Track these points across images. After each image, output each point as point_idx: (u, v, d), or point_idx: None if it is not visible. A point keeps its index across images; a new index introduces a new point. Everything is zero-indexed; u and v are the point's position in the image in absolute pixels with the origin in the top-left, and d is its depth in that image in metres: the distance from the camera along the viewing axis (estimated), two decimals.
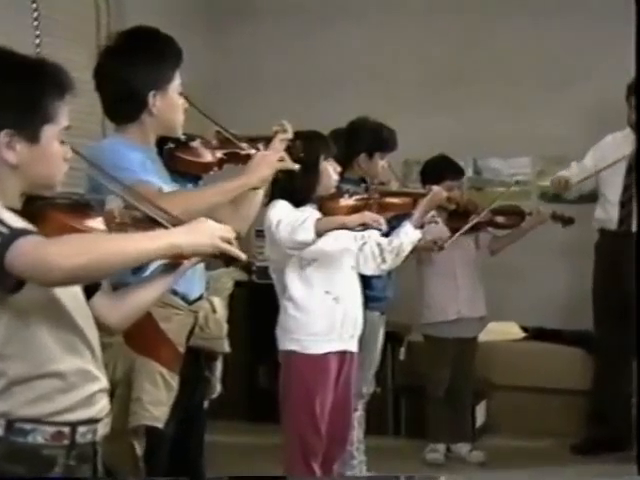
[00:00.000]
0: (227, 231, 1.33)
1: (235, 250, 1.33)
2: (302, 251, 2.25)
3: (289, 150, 1.97)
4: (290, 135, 1.98)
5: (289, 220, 2.20)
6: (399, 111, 3.54)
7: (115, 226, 1.31)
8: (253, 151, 1.94)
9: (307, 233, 2.17)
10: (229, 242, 1.33)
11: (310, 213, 2.26)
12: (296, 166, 1.93)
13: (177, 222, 1.35)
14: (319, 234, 2.18)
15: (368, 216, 2.24)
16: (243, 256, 1.34)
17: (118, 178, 1.47)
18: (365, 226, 2.24)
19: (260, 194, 1.99)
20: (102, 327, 1.39)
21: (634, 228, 3.22)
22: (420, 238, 2.50)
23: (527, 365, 3.61)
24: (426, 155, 3.33)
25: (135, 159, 1.76)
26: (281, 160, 1.90)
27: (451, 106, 3.87)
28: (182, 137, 1.90)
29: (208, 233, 1.30)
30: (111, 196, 1.35)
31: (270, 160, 1.88)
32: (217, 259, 1.35)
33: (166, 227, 1.33)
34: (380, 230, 2.29)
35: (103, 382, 1.35)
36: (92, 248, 1.20)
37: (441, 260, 3.19)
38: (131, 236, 1.28)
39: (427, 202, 2.48)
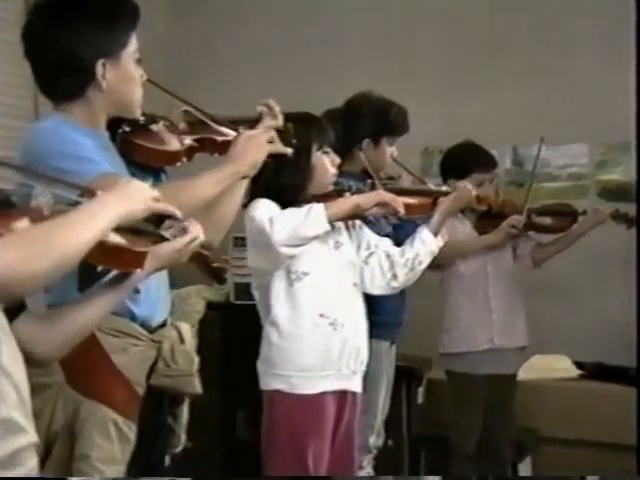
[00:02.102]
0: (153, 190, 1.46)
1: (170, 206, 1.47)
2: (290, 261, 2.31)
3: (279, 135, 2.03)
4: (279, 117, 2.05)
5: (287, 215, 2.27)
6: (415, 87, 3.62)
7: None
8: (233, 134, 2.00)
9: (318, 224, 2.24)
10: (159, 200, 1.45)
11: (314, 205, 2.31)
12: (289, 150, 1.99)
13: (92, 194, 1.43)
14: (330, 223, 2.26)
15: (384, 195, 2.32)
16: (178, 212, 1.48)
17: (67, 170, 1.51)
18: (382, 207, 2.31)
19: (239, 193, 2.05)
20: (29, 359, 1.38)
21: None
22: (442, 247, 2.55)
23: (583, 412, 3.62)
24: (450, 142, 3.39)
25: (88, 146, 1.79)
26: (271, 141, 1.96)
27: (483, 81, 3.94)
28: (141, 119, 1.95)
29: (140, 196, 1.43)
30: (38, 189, 1.36)
31: (259, 141, 1.93)
32: (199, 264, 1.44)
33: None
34: (398, 215, 2.37)
35: (32, 435, 1.31)
36: (48, 244, 1.26)
37: (470, 274, 3.27)
38: (70, 221, 1.32)
39: (450, 202, 2.55)
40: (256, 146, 1.93)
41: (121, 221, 1.38)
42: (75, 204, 1.38)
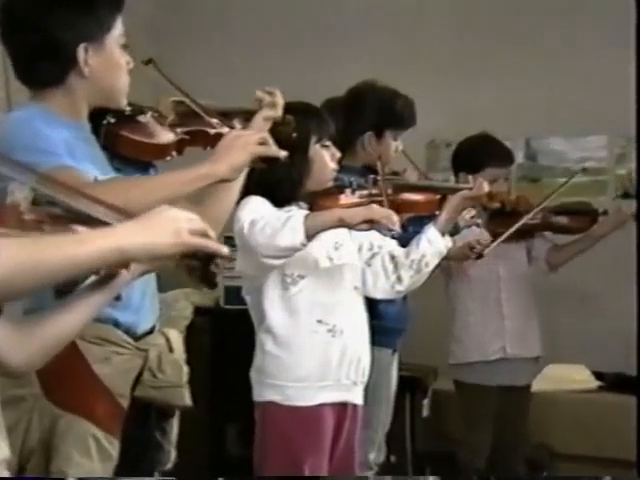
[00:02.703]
0: (196, 221, 1.32)
1: (213, 244, 1.31)
2: (284, 262, 2.30)
3: (277, 129, 2.04)
4: (279, 108, 2.05)
5: (267, 220, 2.24)
6: (422, 75, 3.63)
7: (22, 225, 1.26)
8: (226, 129, 2.00)
9: (293, 235, 2.18)
10: (204, 235, 1.31)
11: (296, 212, 2.31)
12: (282, 153, 1.92)
13: (124, 216, 1.33)
14: (309, 236, 2.19)
15: (376, 211, 2.25)
16: (225, 250, 1.32)
17: (25, 162, 1.47)
18: (371, 224, 2.26)
19: (234, 190, 2.05)
20: (5, 369, 1.39)
21: None
22: (450, 248, 2.56)
23: (602, 426, 3.64)
24: (459, 134, 3.41)
25: (57, 138, 1.78)
26: (262, 143, 1.89)
27: (494, 69, 3.97)
28: (127, 109, 1.95)
29: (171, 227, 1.28)
30: (14, 184, 1.30)
31: (246, 142, 1.87)
32: (187, 266, 1.34)
33: (105, 224, 1.31)
34: (392, 231, 2.32)
35: (4, 451, 1.32)
36: (37, 264, 1.18)
37: (480, 277, 3.28)
38: (53, 240, 1.23)
39: (460, 199, 2.54)
40: (242, 147, 1.85)
41: (136, 257, 1.28)
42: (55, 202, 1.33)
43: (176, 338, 2.02)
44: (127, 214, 1.34)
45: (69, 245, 1.23)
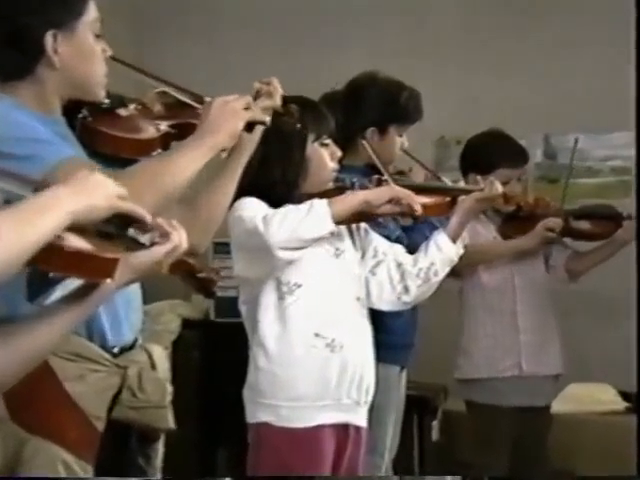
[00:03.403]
0: (117, 186, 1.42)
1: (142, 210, 1.42)
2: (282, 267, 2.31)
3: (280, 119, 2.05)
4: (277, 97, 2.05)
5: (283, 212, 2.26)
6: (429, 65, 3.64)
7: None
8: None
9: (321, 222, 2.23)
10: (124, 199, 1.41)
11: (314, 201, 2.31)
12: (267, 118, 2.00)
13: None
14: (335, 222, 2.26)
15: (399, 190, 2.32)
16: (149, 217, 1.42)
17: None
18: (395, 205, 2.31)
19: (229, 191, 2.05)
20: None
21: None
22: (462, 255, 2.56)
23: (628, 450, 3.64)
24: (469, 130, 3.41)
25: (43, 129, 1.78)
26: (247, 107, 1.95)
27: (509, 58, 3.98)
28: (105, 101, 1.96)
29: (103, 191, 1.38)
30: None
31: (235, 108, 1.93)
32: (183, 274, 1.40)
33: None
34: (414, 216, 2.37)
35: None
36: None
37: (493, 287, 3.29)
38: (13, 217, 1.27)
39: (472, 202, 2.55)
40: (232, 113, 1.92)
41: (77, 220, 1.34)
42: None
43: (159, 354, 2.02)
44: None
45: (21, 223, 1.28)
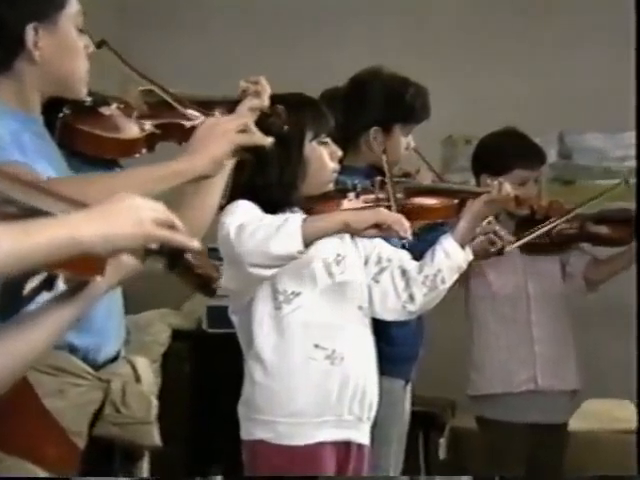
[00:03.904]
0: (162, 211, 1.34)
1: (181, 237, 1.34)
2: (276, 277, 2.30)
3: (266, 121, 2.05)
4: (265, 97, 2.06)
5: (258, 224, 2.24)
6: (437, 60, 3.63)
7: None
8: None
9: (289, 241, 2.18)
10: (170, 227, 1.34)
11: (292, 216, 2.30)
12: (268, 140, 1.94)
13: (78, 207, 1.35)
14: (308, 243, 2.20)
15: (385, 214, 2.26)
16: (195, 244, 1.35)
17: None
18: (380, 230, 2.27)
19: (216, 192, 2.05)
20: None
21: None
22: (471, 261, 2.57)
23: None
24: (481, 129, 3.41)
25: (4, 131, 1.78)
26: (243, 130, 1.90)
27: (520, 52, 3.98)
28: (87, 99, 1.96)
29: (132, 216, 1.30)
30: None
31: (225, 130, 1.88)
32: (156, 258, 1.35)
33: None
34: (402, 240, 2.33)
35: None
36: None
37: (505, 295, 3.28)
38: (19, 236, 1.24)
39: (482, 205, 2.55)
40: (221, 136, 1.86)
41: (93, 249, 1.28)
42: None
43: (144, 366, 2.01)
44: (82, 204, 1.37)
45: (11, 237, 1.23)
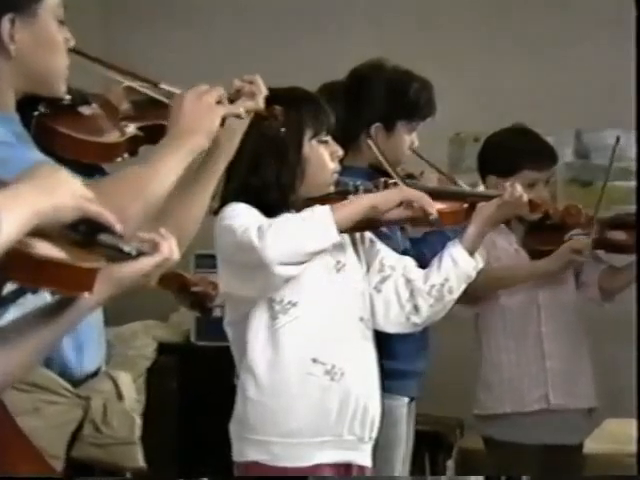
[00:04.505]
0: (84, 187, 1.40)
1: (111, 215, 1.40)
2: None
3: (263, 124, 2.07)
4: (260, 98, 2.06)
5: (279, 222, 2.27)
6: (443, 52, 3.63)
7: None
8: None
9: (325, 232, 2.26)
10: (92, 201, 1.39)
11: (315, 209, 2.32)
12: (242, 110, 2.00)
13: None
14: (340, 230, 2.29)
15: (410, 192, 2.34)
16: (119, 226, 1.40)
17: None
18: (406, 209, 2.33)
19: (206, 192, 2.05)
20: None
21: None
22: (480, 269, 2.57)
23: None
24: (487, 127, 3.42)
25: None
26: (219, 101, 1.96)
27: (533, 45, 3.98)
28: (66, 98, 1.96)
29: (69, 190, 1.37)
30: None
31: (209, 103, 1.94)
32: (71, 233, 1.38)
33: None
34: (431, 222, 2.38)
35: None
36: None
37: (515, 307, 3.29)
38: None
39: (493, 209, 2.58)
40: (208, 110, 1.93)
41: (42, 222, 1.32)
42: None
43: (127, 382, 2.02)
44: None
45: None
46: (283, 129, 2.20)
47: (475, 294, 2.97)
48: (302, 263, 2.31)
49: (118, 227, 1.41)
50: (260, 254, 2.26)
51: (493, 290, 3.25)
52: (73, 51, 1.96)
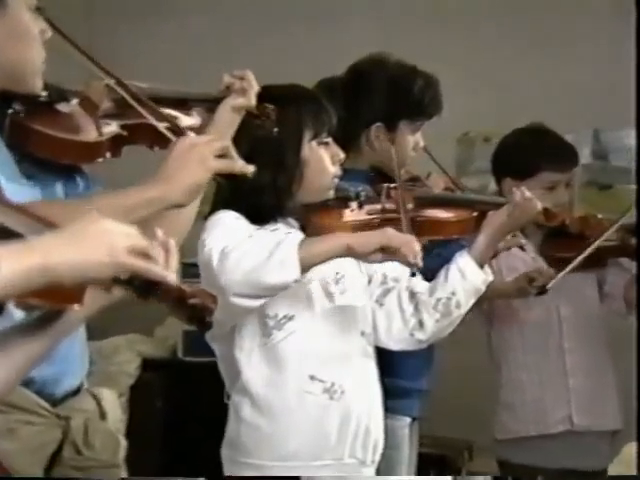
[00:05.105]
0: (136, 237, 1.38)
1: (157, 269, 1.37)
2: (266, 300, 2.30)
3: (253, 123, 2.08)
4: (251, 95, 2.09)
5: (245, 247, 2.25)
6: (451, 46, 3.65)
7: None
8: (182, 118, 2.03)
9: (284, 269, 2.20)
10: (144, 255, 1.37)
11: (284, 234, 2.34)
12: (250, 168, 1.98)
13: (47, 227, 1.38)
14: (304, 269, 2.23)
15: (393, 237, 2.28)
16: (172, 277, 1.38)
17: None
18: (387, 254, 2.28)
19: (190, 211, 2.08)
20: None
21: None
22: (490, 282, 2.58)
23: None
24: (502, 126, 3.43)
25: None
26: (223, 155, 1.93)
27: (548, 38, 4.00)
28: (42, 94, 1.97)
29: (105, 242, 1.33)
30: None
31: (203, 155, 1.90)
32: (125, 289, 1.37)
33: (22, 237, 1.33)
34: (413, 268, 2.30)
35: None
36: None
37: (535, 321, 3.28)
38: None
39: (503, 219, 2.58)
40: (198, 162, 1.89)
41: (60, 278, 1.31)
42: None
43: (111, 401, 2.04)
44: (50, 224, 1.40)
45: None
46: (276, 129, 2.20)
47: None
48: (261, 297, 2.27)
49: (171, 278, 1.39)
50: (217, 279, 2.25)
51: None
52: (63, 38, 1.96)
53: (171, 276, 1.38)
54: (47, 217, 1.42)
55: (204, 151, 1.91)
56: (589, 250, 3.08)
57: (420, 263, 2.29)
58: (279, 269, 2.22)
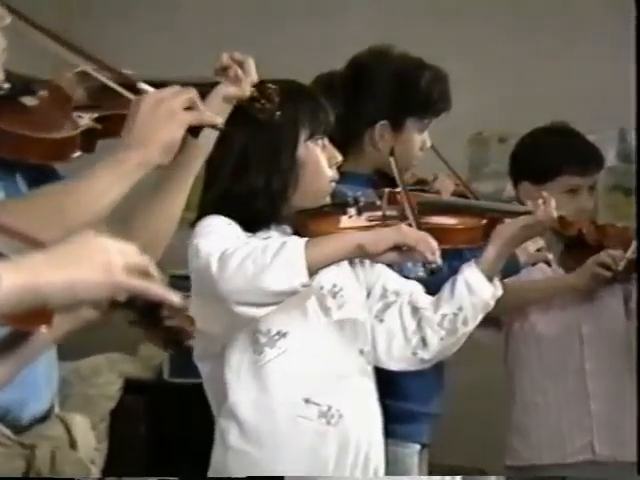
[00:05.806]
0: (134, 255, 1.39)
1: (158, 288, 1.38)
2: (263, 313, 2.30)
3: (253, 105, 2.10)
4: (247, 88, 2.11)
5: (247, 251, 2.25)
6: (462, 37, 3.66)
7: None
8: None
9: (292, 272, 2.21)
10: (144, 274, 1.38)
11: (289, 240, 2.32)
12: (219, 119, 2.01)
13: (33, 245, 1.39)
14: (312, 272, 2.25)
15: (408, 233, 2.30)
16: (175, 298, 1.39)
17: None
18: (401, 254, 2.31)
19: (176, 209, 2.09)
20: None
21: None
22: (499, 296, 2.59)
23: None
24: (517, 126, 3.46)
25: None
26: (190, 107, 1.95)
27: (567, 30, 4.03)
28: (3, 86, 1.97)
29: (100, 261, 1.34)
30: None
31: (172, 109, 1.93)
32: (125, 311, 1.39)
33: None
34: (432, 266, 2.32)
35: None
36: None
37: (553, 337, 3.31)
38: None
39: (516, 228, 2.60)
40: (168, 118, 1.92)
41: (53, 301, 1.32)
42: None
43: (83, 427, 2.03)
44: (36, 243, 1.40)
45: None
46: (278, 113, 2.20)
47: (501, 314, 3.00)
48: (266, 305, 2.28)
49: (174, 299, 1.40)
50: (218, 286, 2.26)
51: (517, 307, 3.25)
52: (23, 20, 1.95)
53: (174, 295, 1.39)
54: (29, 235, 1.42)
55: (172, 105, 1.94)
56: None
57: (439, 261, 2.30)
58: (285, 272, 2.23)
